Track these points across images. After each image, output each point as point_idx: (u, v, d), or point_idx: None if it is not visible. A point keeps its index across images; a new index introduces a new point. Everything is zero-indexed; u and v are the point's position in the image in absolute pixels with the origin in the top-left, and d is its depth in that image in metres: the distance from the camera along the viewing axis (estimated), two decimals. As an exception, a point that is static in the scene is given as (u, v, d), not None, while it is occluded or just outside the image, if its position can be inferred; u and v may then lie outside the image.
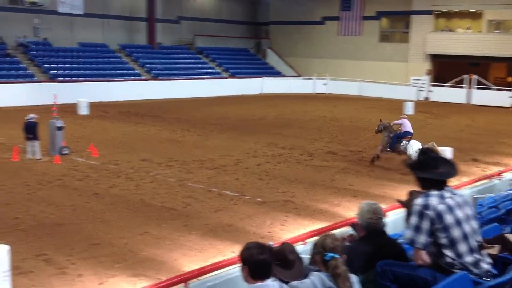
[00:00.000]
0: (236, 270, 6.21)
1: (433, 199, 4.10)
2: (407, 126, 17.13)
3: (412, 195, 5.03)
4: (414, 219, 4.11)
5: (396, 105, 32.07)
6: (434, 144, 15.83)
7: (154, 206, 12.07)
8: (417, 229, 4.08)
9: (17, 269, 8.17)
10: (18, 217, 11.01)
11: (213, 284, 5.96)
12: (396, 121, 17.68)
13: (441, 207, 4.08)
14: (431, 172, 4.17)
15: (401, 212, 8.95)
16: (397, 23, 42.34)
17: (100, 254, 9.19)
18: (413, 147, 15.82)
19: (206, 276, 6.16)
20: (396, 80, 39.21)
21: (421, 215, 4.09)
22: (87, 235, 10.11)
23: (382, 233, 4.49)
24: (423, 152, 4.46)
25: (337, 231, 7.28)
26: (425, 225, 4.07)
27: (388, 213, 7.84)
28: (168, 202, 12.35)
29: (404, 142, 16.42)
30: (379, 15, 41.62)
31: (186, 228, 10.64)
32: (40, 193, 12.78)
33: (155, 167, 15.77)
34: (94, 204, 12.05)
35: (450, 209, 4.09)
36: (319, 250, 3.73)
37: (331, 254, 3.64)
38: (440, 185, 4.18)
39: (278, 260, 3.80)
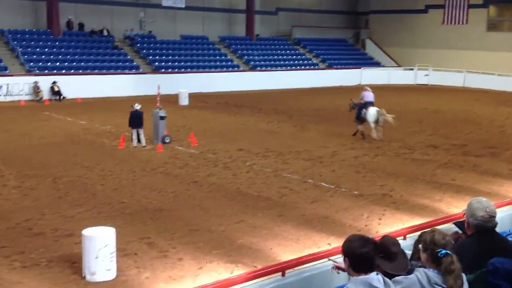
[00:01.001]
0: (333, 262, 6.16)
1: None
2: (368, 97, 19.36)
3: None
4: None
5: (504, 98, 30.31)
6: (384, 111, 18.51)
7: (250, 195, 12.24)
8: None
9: (122, 251, 8.61)
10: (124, 201, 11.59)
11: (310, 275, 5.94)
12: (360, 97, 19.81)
13: None
14: None
15: (509, 209, 8.47)
16: (507, 11, 39.92)
17: (199, 239, 9.46)
18: (369, 112, 18.47)
19: (303, 266, 6.16)
20: (505, 71, 36.95)
21: None
22: (187, 221, 10.44)
23: (492, 231, 4.25)
24: None
25: (439, 228, 7.00)
26: None
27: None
28: (264, 192, 12.47)
29: (363, 110, 18.69)
30: (486, 3, 39.43)
31: (281, 218, 10.70)
32: (144, 180, 13.37)
33: (252, 157, 15.98)
34: (193, 192, 12.43)
35: None
36: (429, 246, 3.60)
37: (445, 251, 3.52)
38: None
39: (381, 252, 3.73)
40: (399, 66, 42.83)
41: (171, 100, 26.62)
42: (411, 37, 42.51)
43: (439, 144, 18.21)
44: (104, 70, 31.22)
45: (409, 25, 42.64)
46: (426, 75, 40.24)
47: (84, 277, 7.88)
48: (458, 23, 40.55)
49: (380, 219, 10.78)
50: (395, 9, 43.08)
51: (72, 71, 30.33)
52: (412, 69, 41.13)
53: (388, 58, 43.80)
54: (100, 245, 7.75)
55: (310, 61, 40.69)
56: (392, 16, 43.32)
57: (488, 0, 39.17)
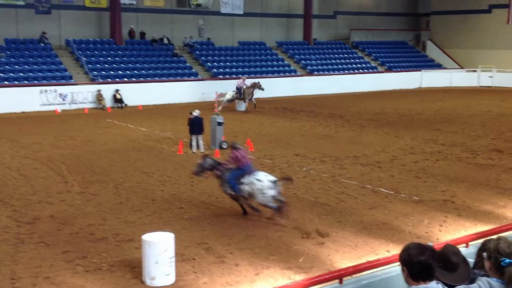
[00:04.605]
0: (392, 269, 6.03)
1: None
2: (242, 83, 27.62)
3: None
4: None
5: None
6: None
7: (307, 201, 12.17)
8: None
9: (180, 256, 8.74)
10: (183, 207, 11.77)
11: (368, 283, 5.83)
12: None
13: None
14: None
15: None
16: None
17: (255, 245, 9.48)
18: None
19: (361, 274, 6.05)
20: None
21: None
22: (244, 226, 10.48)
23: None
24: None
25: (503, 235, 6.72)
26: None
27: None
28: (321, 198, 12.37)
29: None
30: (555, 0, 37.71)
31: (339, 224, 10.58)
32: (202, 185, 13.50)
33: (308, 162, 15.89)
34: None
35: None
36: (493, 254, 3.46)
37: (509, 260, 3.37)
38: None
39: (440, 262, 3.61)
40: (461, 68, 41.59)
41: (228, 105, 26.89)
42: (474, 38, 41.19)
43: (503, 148, 17.54)
44: (164, 78, 31.89)
45: (472, 25, 41.36)
46: (490, 76, 38.89)
47: (144, 282, 8.04)
48: (524, 22, 38.95)
49: (441, 225, 10.48)
50: (457, 10, 41.87)
51: (134, 79, 31.13)
52: (475, 71, 39.85)
53: (450, 60, 42.61)
54: (159, 250, 7.89)
55: (368, 65, 40.14)
56: (454, 17, 42.13)
57: (557, -3, 37.47)
